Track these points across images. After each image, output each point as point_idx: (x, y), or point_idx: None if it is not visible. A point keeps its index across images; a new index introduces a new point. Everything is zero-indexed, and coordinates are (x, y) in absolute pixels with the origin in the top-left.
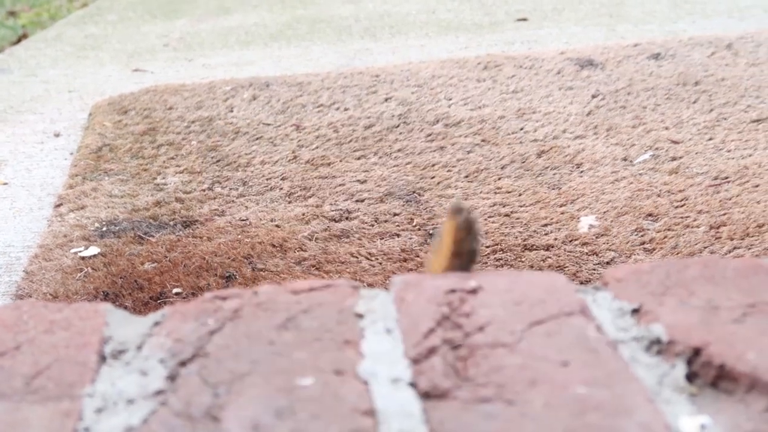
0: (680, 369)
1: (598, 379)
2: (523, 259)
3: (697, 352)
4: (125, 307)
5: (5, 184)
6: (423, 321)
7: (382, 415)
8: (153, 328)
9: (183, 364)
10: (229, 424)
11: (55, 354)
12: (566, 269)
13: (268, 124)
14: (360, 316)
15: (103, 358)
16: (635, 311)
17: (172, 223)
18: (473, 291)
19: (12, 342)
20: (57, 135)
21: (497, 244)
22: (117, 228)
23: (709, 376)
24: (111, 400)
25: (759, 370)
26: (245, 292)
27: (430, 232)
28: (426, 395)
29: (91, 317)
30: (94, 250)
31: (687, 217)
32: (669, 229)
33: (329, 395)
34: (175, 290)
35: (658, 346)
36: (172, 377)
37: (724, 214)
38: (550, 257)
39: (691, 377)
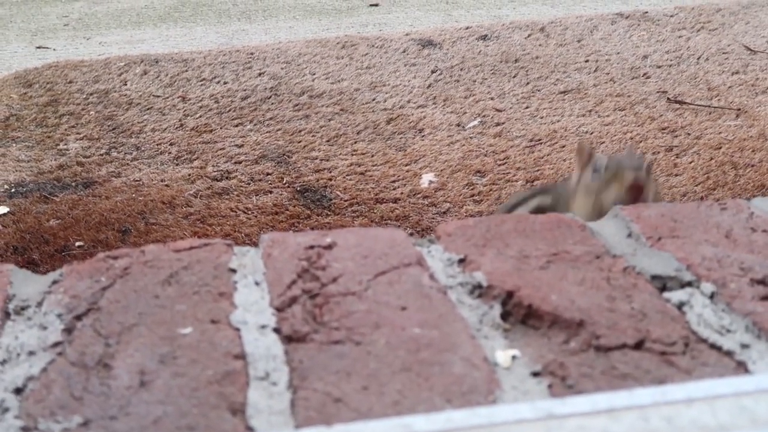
0: (497, 309)
1: (430, 321)
2: (375, 211)
3: (510, 294)
4: (33, 260)
5: None
6: (286, 274)
7: (251, 358)
8: (52, 285)
9: (78, 318)
10: (118, 371)
11: None
12: (410, 218)
13: (158, 96)
14: (233, 270)
15: (7, 314)
16: (461, 261)
17: (74, 184)
18: (329, 246)
19: None
20: None
21: (354, 198)
22: (24, 189)
23: (519, 314)
24: (14, 352)
25: (559, 309)
26: (134, 251)
27: (298, 188)
28: (288, 339)
29: None
30: (3, 209)
31: (508, 173)
32: (494, 184)
33: (206, 342)
34: (77, 243)
35: (480, 290)
36: (68, 330)
37: (538, 170)
38: (397, 208)
39: (505, 316)
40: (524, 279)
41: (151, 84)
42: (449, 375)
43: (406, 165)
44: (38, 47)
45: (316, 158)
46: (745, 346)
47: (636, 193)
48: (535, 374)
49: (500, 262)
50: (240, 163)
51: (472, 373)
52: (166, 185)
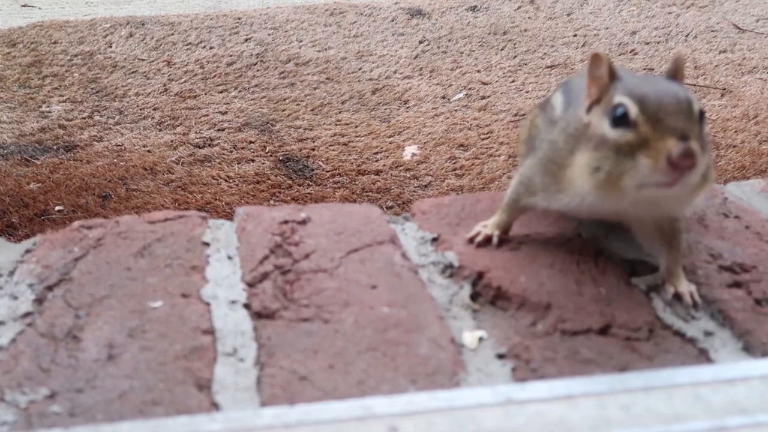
0: (467, 290)
1: (400, 300)
2: (356, 182)
3: (480, 275)
4: (12, 223)
5: None
6: (259, 249)
7: (220, 333)
8: (25, 255)
9: (50, 288)
10: (87, 344)
11: None
12: (392, 191)
13: (143, 60)
14: (207, 244)
15: None
16: (435, 240)
17: (55, 147)
18: (303, 222)
19: None
20: None
21: (336, 169)
22: (5, 151)
23: (489, 295)
24: None
25: (527, 291)
26: (108, 222)
27: (280, 158)
28: (257, 315)
29: None
30: None
31: (491, 147)
32: (476, 158)
33: (175, 316)
34: (57, 208)
35: (451, 270)
36: (39, 300)
37: None
38: (379, 181)
39: (475, 297)
40: (495, 260)
41: (136, 47)
42: (415, 356)
43: (390, 137)
44: (23, 5)
45: (300, 127)
46: (708, 334)
47: (680, 172)
48: (500, 356)
49: (472, 244)
50: (223, 130)
51: (438, 354)
52: (148, 151)
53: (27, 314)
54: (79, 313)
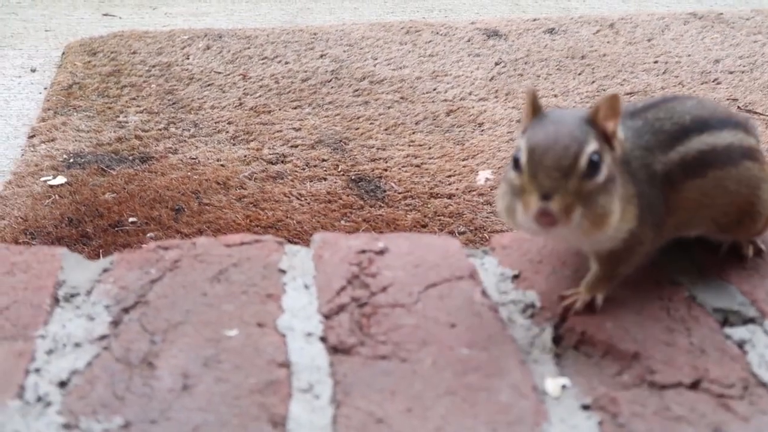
0: (548, 332)
1: (480, 341)
2: (429, 205)
3: (563, 318)
4: (86, 233)
5: None
6: (336, 279)
7: (295, 367)
8: (102, 274)
9: (126, 310)
10: (162, 372)
11: (14, 295)
12: (464, 216)
13: (219, 73)
14: (283, 271)
15: (56, 301)
16: (515, 277)
17: (131, 158)
18: (381, 252)
19: None
20: (33, 70)
21: (408, 191)
22: (83, 160)
23: (572, 340)
24: (61, 342)
25: (614, 338)
26: (185, 242)
27: (352, 177)
28: (333, 350)
29: (48, 260)
30: (61, 179)
31: None
32: None
33: (251, 347)
34: (131, 219)
35: (532, 310)
36: (115, 323)
37: None
38: (451, 204)
39: (557, 340)
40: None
41: (213, 59)
42: (495, 402)
43: (463, 160)
44: (105, 14)
45: (373, 147)
46: None
47: (544, 226)
48: (585, 407)
49: (555, 282)
50: (296, 147)
51: (520, 402)
52: (222, 165)
53: (103, 337)
54: (154, 338)
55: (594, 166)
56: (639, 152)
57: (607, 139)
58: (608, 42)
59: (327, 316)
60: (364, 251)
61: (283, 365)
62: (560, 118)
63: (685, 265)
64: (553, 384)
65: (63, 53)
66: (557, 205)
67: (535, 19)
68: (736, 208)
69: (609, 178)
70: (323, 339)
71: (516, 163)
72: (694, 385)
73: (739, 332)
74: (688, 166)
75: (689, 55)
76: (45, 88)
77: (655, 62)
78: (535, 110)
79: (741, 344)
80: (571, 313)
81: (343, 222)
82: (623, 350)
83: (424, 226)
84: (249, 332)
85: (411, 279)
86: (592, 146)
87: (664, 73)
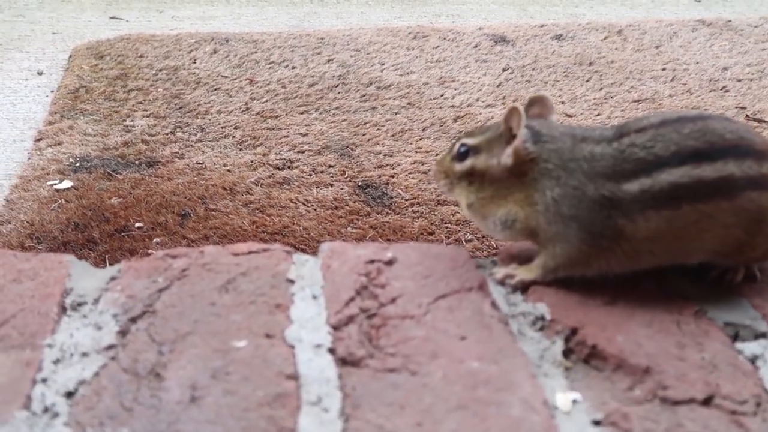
0: (559, 345)
1: (490, 354)
2: (435, 213)
3: (574, 331)
4: (92, 238)
5: None
6: (344, 290)
7: (304, 379)
8: (110, 282)
9: (133, 320)
10: (170, 383)
11: (21, 303)
12: (471, 224)
13: (226, 77)
14: (291, 281)
15: (64, 309)
16: (525, 289)
17: (137, 162)
18: (389, 262)
19: None
20: (40, 73)
21: (415, 198)
22: (89, 164)
23: (582, 353)
24: (68, 351)
25: (625, 352)
26: (193, 251)
27: (359, 183)
28: (342, 362)
29: (56, 268)
30: (67, 183)
31: None
32: None
33: (259, 358)
34: (137, 224)
35: (542, 323)
36: (123, 333)
37: None
38: (458, 212)
39: (567, 353)
40: (589, 315)
41: (220, 64)
42: (506, 417)
43: None
44: (112, 18)
45: (380, 153)
46: None
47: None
48: (596, 423)
49: (564, 294)
50: (303, 152)
51: (531, 417)
52: (228, 170)
53: (110, 347)
54: (162, 349)
55: (461, 155)
56: (581, 173)
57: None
58: (616, 49)
59: (336, 327)
60: (372, 261)
61: (291, 377)
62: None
63: (694, 278)
64: (563, 398)
65: (70, 56)
66: (435, 171)
67: (542, 25)
68: (734, 240)
69: (476, 171)
70: (332, 351)
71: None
72: (707, 401)
73: (750, 347)
74: (651, 198)
75: (697, 63)
76: (52, 91)
77: (663, 69)
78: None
79: (753, 359)
80: (507, 285)
81: (349, 229)
82: (635, 365)
83: (430, 234)
84: (257, 343)
85: (420, 290)
86: (468, 141)
87: (672, 80)
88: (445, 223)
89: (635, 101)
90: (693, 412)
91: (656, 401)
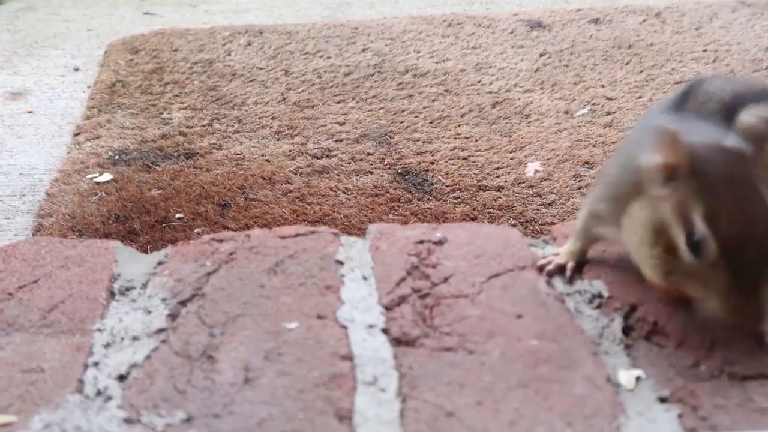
0: (618, 323)
1: (548, 332)
2: (477, 198)
3: (633, 308)
4: (134, 229)
5: (30, 112)
6: (395, 270)
7: (359, 360)
8: (157, 267)
9: (183, 303)
10: (223, 365)
11: (69, 289)
12: (514, 208)
13: (261, 68)
14: (340, 263)
15: (112, 294)
16: (581, 266)
17: (176, 154)
18: (439, 242)
19: (30, 276)
20: (76, 69)
21: (456, 184)
22: (128, 157)
23: (643, 330)
24: (118, 336)
25: (688, 328)
26: (239, 235)
27: (399, 171)
28: (397, 342)
29: (102, 254)
30: (107, 176)
31: None
32: None
33: (312, 339)
34: (177, 215)
35: (599, 300)
36: (172, 316)
37: None
38: (500, 197)
39: (627, 330)
40: (648, 293)
41: (254, 55)
42: (570, 395)
43: (511, 152)
44: (145, 13)
45: (419, 140)
46: None
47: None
48: (663, 400)
49: (621, 272)
50: (341, 141)
51: (595, 395)
52: (267, 160)
53: (161, 330)
54: (213, 331)
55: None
56: None
57: None
58: (655, 31)
59: (388, 308)
60: (422, 242)
61: (345, 358)
62: (733, 177)
63: None
64: (627, 376)
65: (105, 52)
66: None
67: (578, 10)
68: None
69: None
70: (385, 331)
71: (695, 246)
72: None
73: None
74: None
75: (739, 43)
76: (88, 87)
77: (704, 51)
78: (692, 162)
79: None
80: (544, 273)
81: (391, 216)
82: (698, 341)
83: (473, 219)
84: (309, 324)
85: (472, 269)
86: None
87: (714, 61)
88: (488, 208)
89: (677, 83)
90: (764, 386)
91: (724, 377)
